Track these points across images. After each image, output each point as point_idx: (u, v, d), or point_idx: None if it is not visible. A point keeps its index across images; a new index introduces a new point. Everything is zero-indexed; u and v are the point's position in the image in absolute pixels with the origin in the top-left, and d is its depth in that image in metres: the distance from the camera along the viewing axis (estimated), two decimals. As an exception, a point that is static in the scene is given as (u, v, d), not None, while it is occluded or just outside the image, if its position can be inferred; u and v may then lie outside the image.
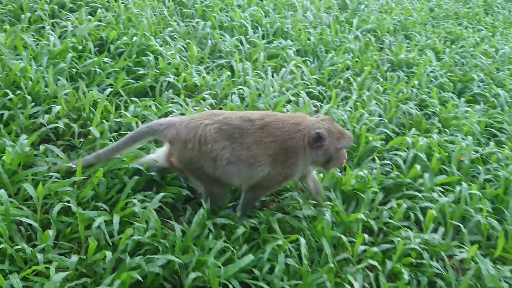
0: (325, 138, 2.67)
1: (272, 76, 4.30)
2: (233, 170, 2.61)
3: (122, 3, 4.87)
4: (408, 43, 5.76)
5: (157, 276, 2.26)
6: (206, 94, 3.77)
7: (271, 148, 2.63)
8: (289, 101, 3.96)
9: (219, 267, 2.29)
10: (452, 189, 3.29)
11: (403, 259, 2.65)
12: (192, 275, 2.18)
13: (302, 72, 4.47)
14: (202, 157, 2.58)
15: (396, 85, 4.51)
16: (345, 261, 2.65)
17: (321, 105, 4.01)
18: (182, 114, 3.42)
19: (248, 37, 4.92)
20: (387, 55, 5.25)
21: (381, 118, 3.98)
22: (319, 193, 3.02)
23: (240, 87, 3.95)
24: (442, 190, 3.31)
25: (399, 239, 2.71)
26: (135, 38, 4.13)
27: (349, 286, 2.41)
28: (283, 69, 4.38)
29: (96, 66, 3.71)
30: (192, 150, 2.58)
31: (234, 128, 2.61)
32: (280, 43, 4.93)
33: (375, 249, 2.63)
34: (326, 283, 2.41)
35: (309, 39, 5.07)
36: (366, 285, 2.52)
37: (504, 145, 3.97)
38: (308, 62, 4.78)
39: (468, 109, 4.41)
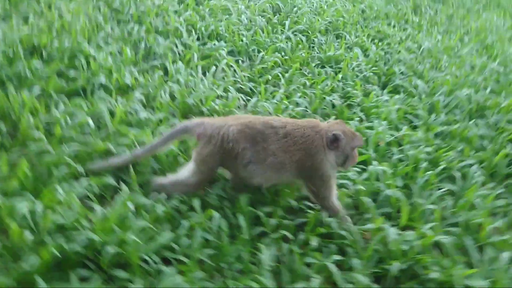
0: (341, 139, 2.94)
1: (205, 75, 4.52)
2: (255, 170, 2.89)
3: (56, 10, 4.98)
4: (338, 42, 6.12)
5: (78, 255, 2.40)
6: (138, 93, 3.94)
7: (297, 155, 2.90)
8: (218, 96, 4.18)
9: (140, 244, 2.46)
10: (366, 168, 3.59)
11: (316, 229, 2.90)
12: (111, 249, 2.35)
13: (234, 70, 4.71)
14: (224, 153, 2.86)
15: (322, 79, 4.83)
16: (263, 235, 2.87)
17: (249, 99, 4.26)
18: (111, 111, 3.58)
19: (182, 39, 5.12)
20: (317, 53, 5.58)
21: (306, 109, 4.26)
22: None
23: (171, 84, 4.14)
24: (359, 169, 3.61)
25: (312, 212, 2.97)
26: (67, 43, 4.26)
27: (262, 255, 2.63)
28: (215, 68, 4.60)
29: (27, 70, 3.81)
30: (214, 146, 2.86)
31: (256, 133, 2.88)
32: (214, 44, 5.16)
33: (287, 221, 2.88)
34: (242, 254, 2.62)
35: (242, 40, 5.32)
36: (281, 253, 2.75)
37: (418, 129, 4.34)
38: (240, 61, 5.03)
39: (387, 98, 4.77)
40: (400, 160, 3.83)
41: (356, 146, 3.05)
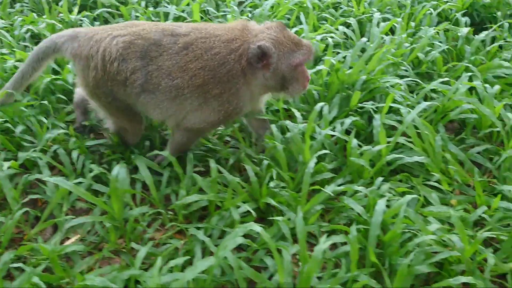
0: (270, 53, 1.97)
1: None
2: (149, 100, 2.03)
3: None
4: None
5: None
6: None
7: (199, 77, 2.00)
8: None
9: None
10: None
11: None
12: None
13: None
14: (109, 79, 1.99)
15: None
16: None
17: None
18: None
19: None
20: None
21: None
22: (265, 129, 2.38)
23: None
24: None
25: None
26: None
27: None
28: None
29: None
30: (96, 70, 1.98)
31: (150, 44, 1.98)
32: None
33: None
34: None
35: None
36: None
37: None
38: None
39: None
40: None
41: (300, 62, 2.03)
